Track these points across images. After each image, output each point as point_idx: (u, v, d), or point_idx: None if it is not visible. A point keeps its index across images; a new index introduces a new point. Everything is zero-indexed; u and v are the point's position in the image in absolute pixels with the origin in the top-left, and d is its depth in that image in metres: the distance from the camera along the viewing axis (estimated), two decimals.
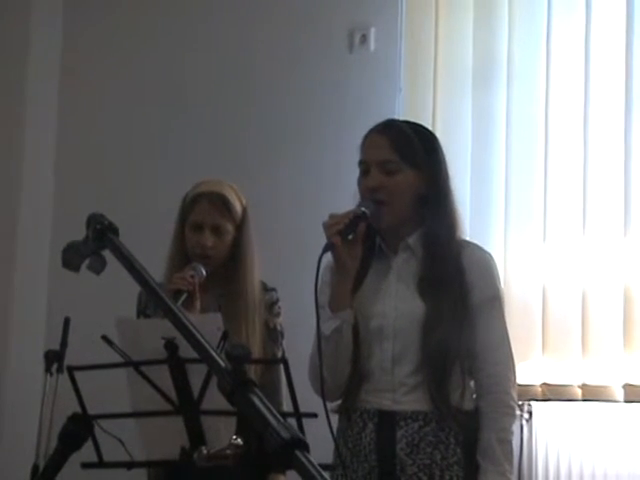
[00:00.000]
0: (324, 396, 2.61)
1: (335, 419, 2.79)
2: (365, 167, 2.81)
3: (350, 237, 2.71)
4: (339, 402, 2.82)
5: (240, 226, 3.36)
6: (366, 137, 2.86)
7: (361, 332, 2.77)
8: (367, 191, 2.78)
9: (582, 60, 4.19)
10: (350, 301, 2.75)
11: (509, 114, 4.30)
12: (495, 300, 2.80)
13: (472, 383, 2.78)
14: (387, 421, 2.74)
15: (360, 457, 2.76)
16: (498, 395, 2.72)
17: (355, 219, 2.71)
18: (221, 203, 3.33)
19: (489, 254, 2.90)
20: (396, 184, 2.77)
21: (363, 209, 2.74)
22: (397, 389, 2.74)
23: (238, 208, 3.36)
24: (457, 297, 2.74)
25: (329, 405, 2.65)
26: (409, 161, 2.78)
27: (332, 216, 2.73)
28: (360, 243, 2.75)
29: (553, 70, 4.24)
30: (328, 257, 2.74)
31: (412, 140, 2.81)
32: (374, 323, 2.77)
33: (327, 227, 2.71)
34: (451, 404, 2.71)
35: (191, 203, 3.36)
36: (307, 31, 4.66)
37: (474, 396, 2.77)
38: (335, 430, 2.78)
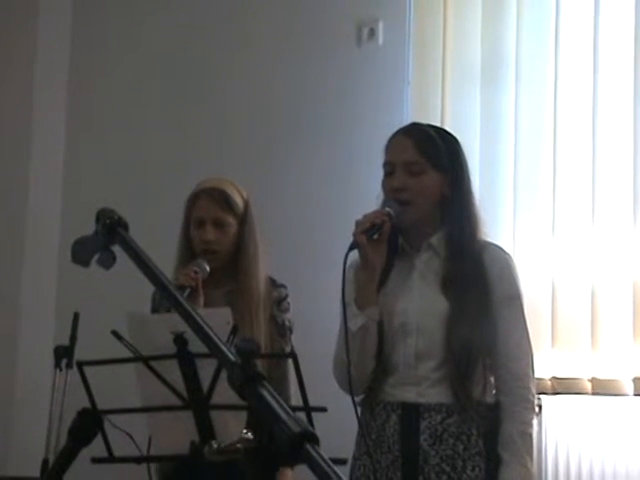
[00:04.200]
0: (352, 390, 2.73)
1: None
2: (390, 168, 2.88)
3: (375, 237, 2.78)
4: (362, 396, 2.89)
5: (242, 219, 3.41)
6: (391, 139, 2.93)
7: (385, 328, 2.85)
8: (392, 191, 2.86)
9: (590, 57, 4.16)
10: (376, 298, 2.83)
11: (517, 107, 4.28)
12: (515, 299, 2.89)
13: (492, 379, 2.85)
14: (411, 413, 2.81)
15: (383, 448, 2.83)
16: (518, 390, 2.81)
17: (382, 220, 2.78)
18: (220, 197, 3.39)
19: (509, 255, 2.99)
20: (420, 185, 2.84)
21: (388, 209, 2.81)
22: (421, 383, 2.82)
23: (239, 201, 3.42)
24: (479, 295, 2.82)
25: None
26: (433, 163, 2.86)
27: (365, 216, 2.81)
28: (385, 242, 2.82)
29: (561, 65, 4.22)
30: (352, 256, 2.80)
31: (436, 143, 2.89)
32: (397, 320, 2.85)
33: (356, 226, 2.79)
34: (473, 398, 2.79)
35: (192, 201, 3.43)
36: (315, 25, 4.65)
37: (494, 392, 2.85)
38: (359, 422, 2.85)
